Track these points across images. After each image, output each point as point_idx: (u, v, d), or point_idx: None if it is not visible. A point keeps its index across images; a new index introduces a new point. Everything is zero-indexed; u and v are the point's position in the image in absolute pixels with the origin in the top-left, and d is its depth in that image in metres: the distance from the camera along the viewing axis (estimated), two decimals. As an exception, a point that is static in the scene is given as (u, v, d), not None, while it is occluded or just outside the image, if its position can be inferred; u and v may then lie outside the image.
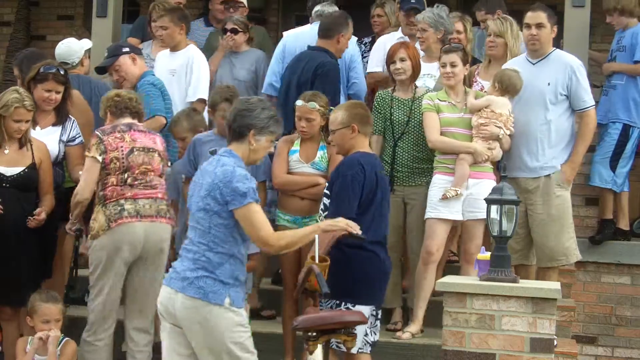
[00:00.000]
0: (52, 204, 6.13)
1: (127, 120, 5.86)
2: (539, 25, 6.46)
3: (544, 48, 6.51)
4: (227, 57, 8.03)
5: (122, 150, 5.70)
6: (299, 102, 6.15)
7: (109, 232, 5.62)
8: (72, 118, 6.42)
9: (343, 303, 5.36)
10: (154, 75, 6.79)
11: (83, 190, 5.71)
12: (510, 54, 6.83)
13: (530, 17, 6.53)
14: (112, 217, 5.63)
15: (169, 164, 6.15)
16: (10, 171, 5.99)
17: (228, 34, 7.93)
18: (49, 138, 6.26)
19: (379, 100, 6.74)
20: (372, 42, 8.27)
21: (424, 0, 7.78)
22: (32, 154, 6.07)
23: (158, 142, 5.90)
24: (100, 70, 7.06)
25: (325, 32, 6.98)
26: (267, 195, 6.35)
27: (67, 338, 5.84)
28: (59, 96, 6.32)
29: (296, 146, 6.24)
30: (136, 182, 5.71)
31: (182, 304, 4.65)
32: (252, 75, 7.80)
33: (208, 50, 8.31)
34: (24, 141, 6.07)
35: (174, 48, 7.46)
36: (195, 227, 4.77)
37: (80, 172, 5.91)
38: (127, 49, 6.72)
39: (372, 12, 8.56)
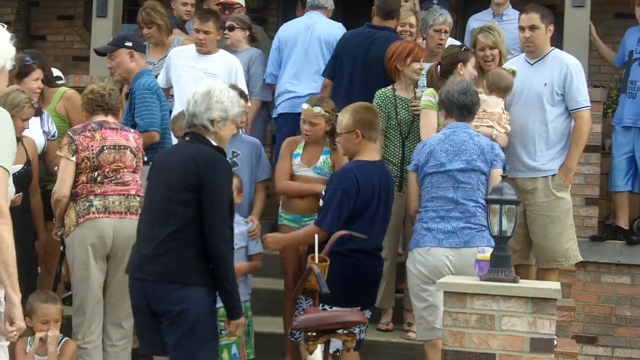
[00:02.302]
0: (40, 205, 6.29)
1: (100, 117, 5.95)
2: (532, 27, 6.44)
3: (540, 49, 6.50)
4: None
5: (93, 150, 5.79)
6: (305, 106, 6.17)
7: (77, 228, 5.74)
8: (45, 111, 6.56)
9: (320, 305, 5.38)
10: (150, 74, 6.72)
11: (60, 189, 5.79)
12: (504, 59, 6.82)
13: (523, 19, 6.52)
14: (81, 213, 5.75)
15: (145, 159, 6.19)
16: (12, 169, 6.01)
17: (226, 31, 7.91)
18: (33, 129, 6.33)
19: (382, 98, 6.66)
20: None
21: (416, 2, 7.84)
22: (25, 150, 6.11)
23: (131, 139, 5.96)
24: (100, 53, 7.04)
25: (389, 14, 7.28)
26: (265, 194, 6.36)
27: (66, 338, 5.84)
28: (42, 86, 6.55)
29: (299, 149, 6.25)
30: (106, 180, 5.81)
31: (466, 255, 5.38)
32: (246, 76, 7.80)
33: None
34: (18, 137, 6.12)
35: (207, 52, 7.36)
36: (456, 187, 5.50)
37: (56, 168, 6.05)
38: (129, 44, 6.66)
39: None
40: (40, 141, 6.43)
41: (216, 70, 7.29)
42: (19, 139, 6.12)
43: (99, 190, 5.79)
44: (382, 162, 5.78)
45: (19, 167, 6.04)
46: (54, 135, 6.57)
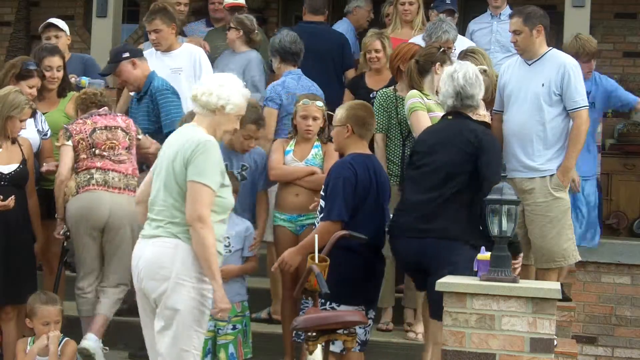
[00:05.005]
0: (37, 206, 6.31)
1: (92, 111, 6.30)
2: (516, 32, 6.47)
3: (529, 51, 6.49)
4: (226, 56, 7.98)
5: (86, 132, 6.17)
6: (307, 102, 6.19)
7: (76, 198, 6.09)
8: (38, 111, 6.60)
9: (328, 303, 5.39)
10: (158, 76, 6.80)
11: (61, 170, 6.13)
12: (492, 81, 6.81)
13: (509, 24, 6.60)
14: (81, 184, 6.10)
15: (140, 136, 6.39)
16: (7, 169, 6.04)
17: (230, 30, 7.87)
18: (27, 129, 6.35)
19: (383, 98, 6.71)
20: None
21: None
22: (21, 150, 6.13)
23: (120, 121, 6.30)
24: (105, 74, 7.11)
25: (318, 10, 8.15)
26: (268, 204, 6.37)
27: (66, 338, 5.85)
28: (36, 93, 6.57)
29: (290, 147, 6.28)
30: (105, 154, 6.14)
31: None
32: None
33: (207, 49, 8.29)
34: (14, 137, 6.14)
35: (169, 48, 7.33)
36: None
37: (43, 169, 6.44)
38: (127, 55, 6.71)
39: (385, 10, 8.58)
40: (34, 140, 6.45)
41: (181, 64, 7.31)
42: (15, 139, 6.14)
43: (99, 164, 6.12)
44: (374, 155, 5.93)
45: (15, 166, 6.05)
46: (46, 134, 6.58)
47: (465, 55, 6.91)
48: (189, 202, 4.65)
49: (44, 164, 6.47)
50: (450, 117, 5.64)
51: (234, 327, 5.89)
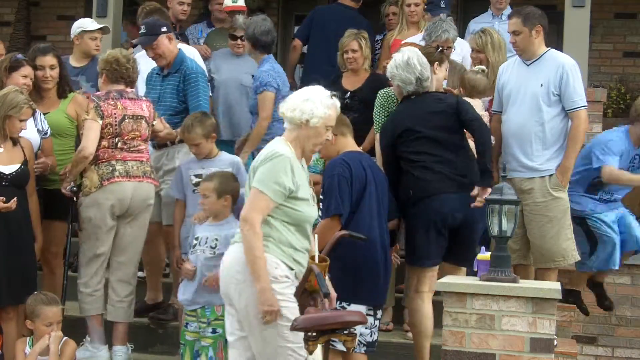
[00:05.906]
0: (37, 207, 6.32)
1: (120, 87, 6.29)
2: (514, 33, 6.47)
3: (528, 52, 6.49)
4: (232, 60, 7.97)
5: (116, 117, 6.17)
6: None
7: (101, 190, 6.14)
8: (38, 110, 6.55)
9: (338, 302, 5.39)
10: (187, 55, 6.87)
11: (88, 147, 6.10)
12: (492, 68, 6.80)
13: (508, 24, 6.62)
14: (105, 176, 6.15)
15: (155, 121, 6.45)
16: (8, 169, 6.03)
17: (238, 41, 7.84)
18: (28, 129, 6.34)
19: (385, 97, 6.65)
20: (383, 40, 8.33)
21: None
22: (22, 150, 6.13)
23: (145, 108, 6.33)
24: (135, 45, 7.12)
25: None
26: None
27: (66, 338, 5.85)
28: (31, 83, 6.53)
29: None
30: (125, 146, 6.22)
31: None
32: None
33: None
34: (16, 138, 6.13)
35: None
36: None
37: (40, 165, 6.39)
38: (164, 29, 6.77)
39: (386, 10, 8.58)
40: (35, 140, 6.44)
41: None
42: (16, 140, 6.13)
43: (119, 156, 6.19)
44: (366, 154, 6.00)
45: (16, 167, 6.05)
46: (46, 133, 6.57)
47: (476, 33, 7.00)
48: (244, 206, 4.90)
49: (42, 157, 6.44)
50: (413, 97, 5.96)
51: (214, 331, 5.77)
